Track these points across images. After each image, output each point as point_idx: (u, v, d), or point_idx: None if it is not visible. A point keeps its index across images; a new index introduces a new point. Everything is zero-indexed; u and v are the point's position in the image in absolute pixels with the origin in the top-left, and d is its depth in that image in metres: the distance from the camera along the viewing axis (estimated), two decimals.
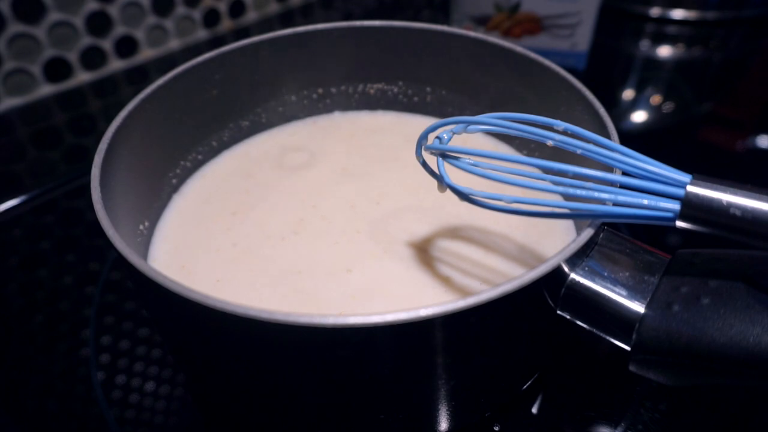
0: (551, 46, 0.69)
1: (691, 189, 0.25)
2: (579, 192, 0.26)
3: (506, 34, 0.69)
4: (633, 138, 0.64)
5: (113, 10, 0.70)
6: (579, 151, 0.27)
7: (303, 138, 0.49)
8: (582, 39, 0.68)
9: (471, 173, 0.29)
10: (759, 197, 0.24)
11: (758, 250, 0.24)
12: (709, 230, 0.25)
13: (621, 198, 0.26)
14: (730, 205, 0.24)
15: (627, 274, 0.28)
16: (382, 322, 0.23)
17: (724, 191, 0.24)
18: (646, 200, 0.25)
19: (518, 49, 0.42)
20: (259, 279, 0.36)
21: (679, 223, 0.25)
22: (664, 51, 0.81)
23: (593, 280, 0.28)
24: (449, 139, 0.30)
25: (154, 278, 0.25)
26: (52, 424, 0.38)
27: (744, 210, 0.24)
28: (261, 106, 0.48)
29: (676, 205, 0.25)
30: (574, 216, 0.28)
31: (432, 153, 0.30)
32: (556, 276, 0.27)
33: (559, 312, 0.29)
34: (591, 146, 0.27)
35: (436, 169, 0.30)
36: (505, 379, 0.34)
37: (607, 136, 0.33)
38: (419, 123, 0.49)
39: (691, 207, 0.24)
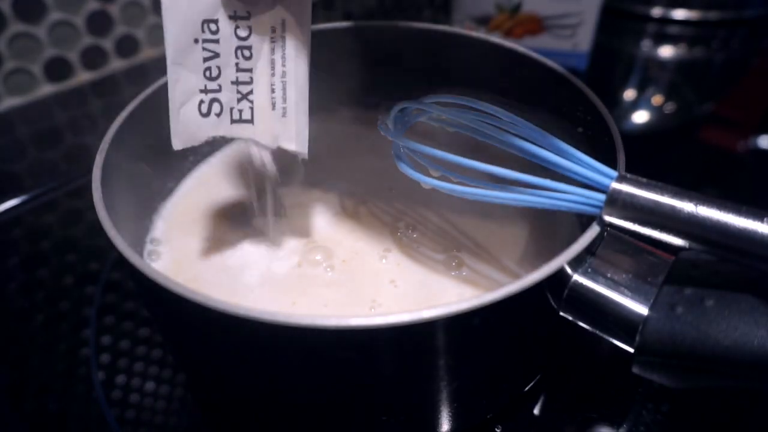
0: (552, 46, 0.68)
1: (617, 184, 0.26)
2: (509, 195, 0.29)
3: (507, 34, 0.69)
4: (634, 138, 0.64)
5: (114, 10, 0.70)
6: (513, 140, 0.29)
7: None
8: (583, 39, 0.68)
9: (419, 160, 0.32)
10: (680, 196, 0.25)
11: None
12: (632, 225, 0.26)
13: (553, 184, 0.27)
14: (652, 201, 0.25)
15: (630, 275, 0.28)
16: (385, 323, 0.23)
17: (648, 188, 0.26)
18: (575, 190, 0.27)
19: (520, 49, 0.42)
20: (258, 277, 0.36)
21: (606, 217, 0.27)
22: (666, 51, 0.81)
23: (596, 282, 0.28)
24: (403, 129, 0.33)
25: (154, 278, 0.25)
26: (52, 424, 0.38)
27: (664, 207, 0.25)
28: None
29: (602, 197, 0.27)
30: (508, 200, 0.29)
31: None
32: (558, 277, 0.27)
33: (561, 313, 0.29)
34: (528, 134, 0.29)
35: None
36: (508, 381, 0.34)
37: (610, 136, 0.33)
38: None
39: (616, 200, 0.26)
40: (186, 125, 0.30)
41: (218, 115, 0.30)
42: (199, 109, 0.30)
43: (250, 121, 0.31)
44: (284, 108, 0.31)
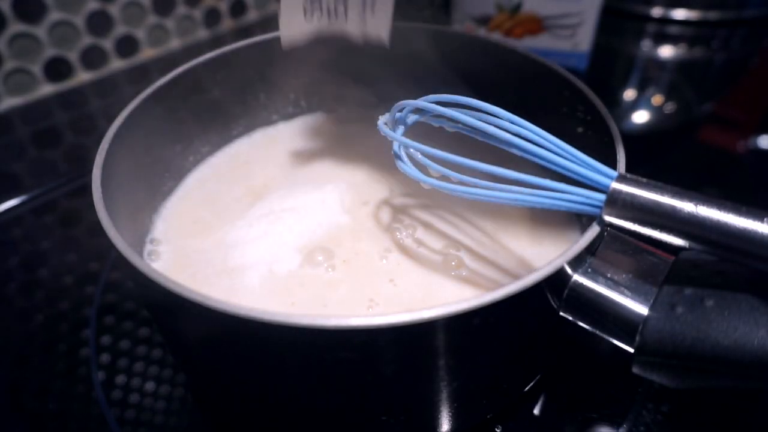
0: (553, 46, 0.68)
1: (617, 184, 0.26)
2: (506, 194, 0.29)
3: (507, 34, 0.69)
4: (634, 138, 0.64)
5: (114, 10, 0.70)
6: (513, 140, 0.29)
7: (304, 136, 0.48)
8: (583, 39, 0.68)
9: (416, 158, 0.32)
10: (680, 196, 0.25)
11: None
12: (632, 225, 0.26)
13: (553, 184, 0.27)
14: (652, 201, 0.25)
15: (630, 275, 0.28)
16: (385, 323, 0.23)
17: (648, 188, 0.26)
18: (575, 190, 0.27)
19: (520, 49, 0.42)
20: (258, 278, 0.36)
21: (606, 217, 0.27)
22: (666, 51, 0.81)
23: (596, 282, 0.28)
24: (403, 129, 0.33)
25: (154, 278, 0.25)
26: (52, 424, 0.38)
27: (664, 207, 0.25)
28: (262, 106, 0.48)
29: (602, 197, 0.27)
30: (508, 200, 0.29)
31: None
32: (559, 277, 0.27)
33: (562, 313, 0.29)
34: (528, 134, 0.29)
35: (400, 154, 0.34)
36: (508, 381, 0.34)
37: (610, 136, 0.33)
38: None
39: (616, 200, 0.26)
40: (293, 28, 0.37)
41: (319, 17, 0.37)
42: (303, 14, 0.37)
43: (344, 17, 0.37)
44: (373, 4, 0.37)
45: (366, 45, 0.38)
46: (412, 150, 0.32)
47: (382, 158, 0.45)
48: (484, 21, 0.69)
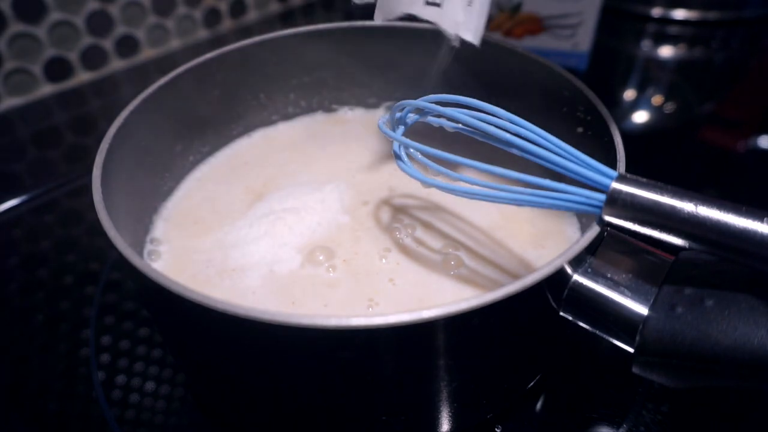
0: (553, 46, 0.68)
1: (617, 184, 0.26)
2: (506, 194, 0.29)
3: (508, 34, 0.69)
4: (634, 138, 0.64)
5: (114, 10, 0.70)
6: (513, 140, 0.29)
7: (304, 136, 0.48)
8: (583, 39, 0.68)
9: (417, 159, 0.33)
10: (680, 196, 0.25)
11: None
12: (632, 225, 0.26)
13: (553, 184, 0.27)
14: (652, 201, 0.25)
15: (630, 275, 0.28)
16: (385, 323, 0.23)
17: (648, 188, 0.26)
18: (575, 190, 0.27)
19: (519, 49, 0.42)
20: (259, 278, 0.36)
21: (606, 217, 0.27)
22: (666, 51, 0.81)
23: (596, 282, 0.28)
24: (403, 129, 0.33)
25: (154, 278, 0.25)
26: (52, 424, 0.38)
27: (664, 207, 0.25)
28: (262, 106, 0.48)
29: (602, 197, 0.26)
30: (508, 200, 0.29)
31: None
32: (558, 277, 0.27)
33: (561, 314, 0.29)
34: (528, 134, 0.29)
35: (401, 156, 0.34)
36: (508, 381, 0.34)
37: (610, 136, 0.33)
38: None
39: (616, 200, 0.26)
40: (388, 3, 0.37)
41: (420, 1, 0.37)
42: None
43: (440, 5, 0.37)
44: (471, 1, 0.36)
45: (457, 40, 0.37)
46: (412, 150, 0.32)
47: (382, 158, 0.45)
48: None
